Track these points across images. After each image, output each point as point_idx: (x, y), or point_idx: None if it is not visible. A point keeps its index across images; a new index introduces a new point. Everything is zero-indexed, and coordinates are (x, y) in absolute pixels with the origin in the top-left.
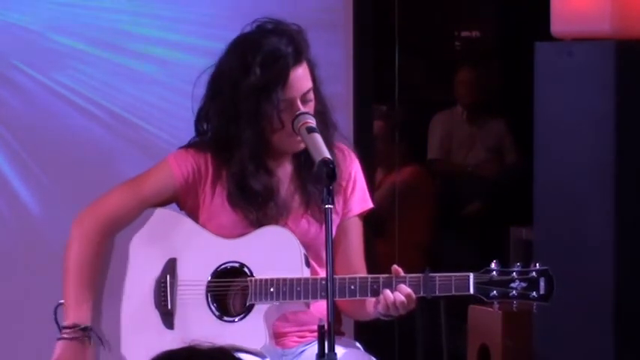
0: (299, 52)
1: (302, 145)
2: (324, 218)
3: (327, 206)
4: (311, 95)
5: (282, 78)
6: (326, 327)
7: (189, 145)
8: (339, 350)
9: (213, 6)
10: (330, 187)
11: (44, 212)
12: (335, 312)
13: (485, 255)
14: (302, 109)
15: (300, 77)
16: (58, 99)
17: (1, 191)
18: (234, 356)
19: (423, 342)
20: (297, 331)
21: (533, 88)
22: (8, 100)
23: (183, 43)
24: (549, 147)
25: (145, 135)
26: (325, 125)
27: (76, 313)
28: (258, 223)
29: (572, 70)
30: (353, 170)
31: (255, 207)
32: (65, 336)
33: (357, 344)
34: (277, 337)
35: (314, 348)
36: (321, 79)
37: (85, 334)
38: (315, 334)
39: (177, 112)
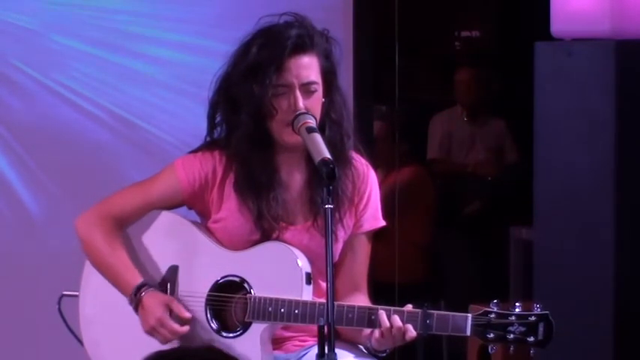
0: (306, 42)
1: (294, 139)
2: (324, 219)
3: (326, 206)
4: (315, 87)
5: (276, 60)
6: (326, 327)
7: (198, 149)
8: (343, 353)
9: (214, 6)
10: (330, 187)
11: (44, 212)
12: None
13: (486, 255)
14: (301, 99)
15: (302, 66)
16: (58, 99)
17: (2, 192)
18: (225, 355)
19: (423, 342)
20: (299, 336)
21: (533, 88)
22: (8, 100)
23: (184, 43)
24: (549, 147)
25: (144, 135)
26: (340, 136)
27: (131, 277)
28: (261, 222)
29: (572, 70)
30: (368, 186)
31: (257, 195)
32: (136, 303)
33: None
34: (279, 342)
35: (315, 350)
36: (342, 90)
37: (147, 287)
38: (316, 338)
39: (178, 112)
